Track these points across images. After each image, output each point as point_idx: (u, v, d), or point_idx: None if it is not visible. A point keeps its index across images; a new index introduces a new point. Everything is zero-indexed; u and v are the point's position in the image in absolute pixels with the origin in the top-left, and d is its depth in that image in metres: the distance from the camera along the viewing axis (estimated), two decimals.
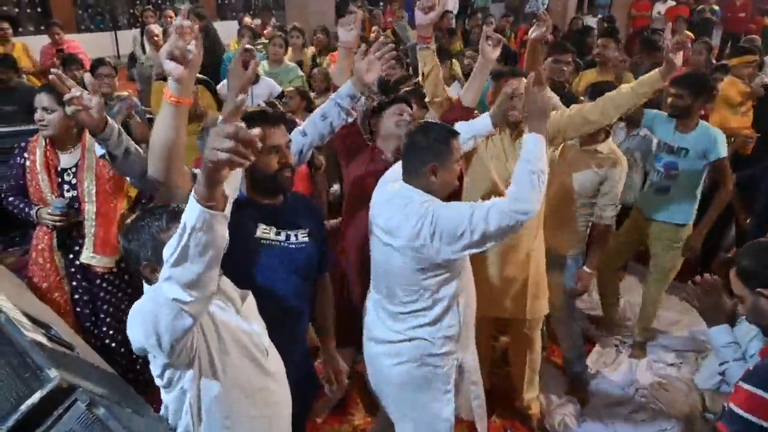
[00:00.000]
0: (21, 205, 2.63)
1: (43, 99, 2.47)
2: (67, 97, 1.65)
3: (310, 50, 5.60)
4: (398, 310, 2.00)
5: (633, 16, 11.18)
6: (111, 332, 2.74)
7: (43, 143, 2.58)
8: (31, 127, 4.12)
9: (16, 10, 10.51)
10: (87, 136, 2.58)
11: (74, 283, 2.68)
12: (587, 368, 3.26)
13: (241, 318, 1.57)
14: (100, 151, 1.86)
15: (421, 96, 2.94)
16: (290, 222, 1.88)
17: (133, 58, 9.21)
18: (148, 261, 1.44)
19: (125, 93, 3.84)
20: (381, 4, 13.48)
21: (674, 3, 10.81)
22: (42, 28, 9.93)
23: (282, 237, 1.83)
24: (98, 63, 3.76)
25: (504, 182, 2.40)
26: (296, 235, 1.87)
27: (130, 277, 2.81)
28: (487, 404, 2.25)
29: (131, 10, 11.92)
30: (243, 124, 1.12)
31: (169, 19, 6.66)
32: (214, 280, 1.29)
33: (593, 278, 2.97)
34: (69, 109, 1.68)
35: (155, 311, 1.28)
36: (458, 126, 2.25)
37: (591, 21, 12.33)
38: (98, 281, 2.70)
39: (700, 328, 3.71)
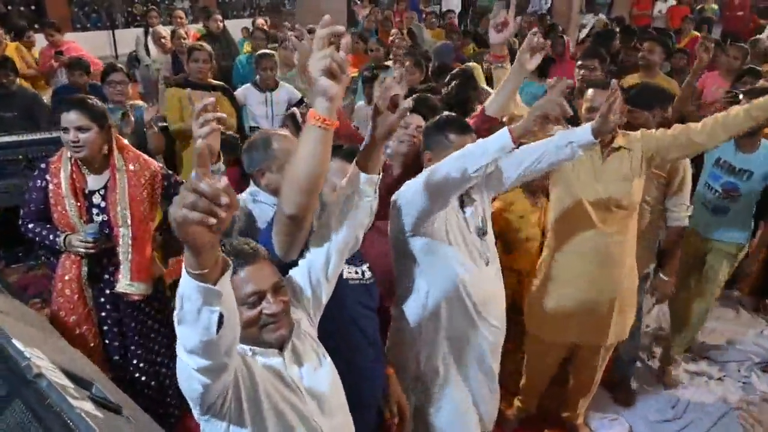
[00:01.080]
0: (44, 232, 2.35)
1: (73, 118, 2.20)
2: (203, 119, 1.56)
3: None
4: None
5: (634, 15, 11.04)
6: (141, 365, 2.51)
7: (69, 164, 2.32)
8: (36, 136, 3.91)
9: (9, 7, 10.12)
10: (116, 154, 2.34)
11: (103, 314, 2.44)
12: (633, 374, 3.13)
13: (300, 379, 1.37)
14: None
15: (431, 106, 2.70)
16: (357, 257, 1.77)
17: (134, 58, 8.94)
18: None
19: (140, 102, 3.58)
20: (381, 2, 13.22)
21: (675, 2, 10.69)
22: (36, 26, 9.57)
23: (360, 274, 1.76)
24: (110, 69, 3.48)
25: (593, 204, 2.25)
26: (365, 271, 1.79)
27: (161, 304, 2.61)
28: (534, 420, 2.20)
29: (129, 8, 11.57)
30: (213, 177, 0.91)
31: (179, 20, 6.36)
32: (227, 353, 1.10)
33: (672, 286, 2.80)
34: (202, 131, 1.55)
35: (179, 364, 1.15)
36: (559, 137, 1.95)
37: (591, 20, 12.19)
38: (129, 310, 2.47)
39: (742, 337, 3.60)
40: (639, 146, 2.26)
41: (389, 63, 5.03)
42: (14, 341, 1.32)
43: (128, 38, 10.29)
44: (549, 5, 12.16)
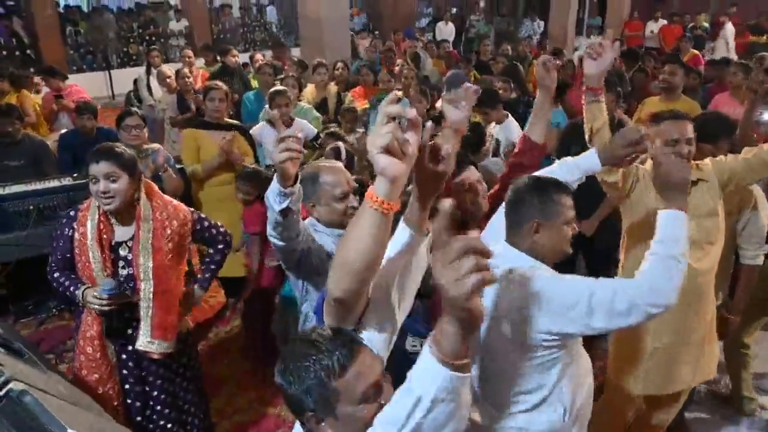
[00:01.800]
0: (66, 283, 2.23)
1: (103, 168, 2.10)
2: (284, 138, 1.50)
3: (333, 86, 5.30)
4: (492, 392, 1.71)
5: (626, 36, 11.18)
6: (169, 425, 2.37)
7: (96, 213, 2.21)
8: (46, 185, 3.79)
9: (4, 53, 10.09)
10: (143, 203, 2.23)
11: (125, 372, 2.30)
12: None
13: None
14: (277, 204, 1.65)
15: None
16: (422, 322, 1.60)
17: (136, 98, 8.90)
18: (314, 412, 1.10)
19: (156, 146, 3.48)
20: (377, 33, 13.35)
21: (665, 22, 10.85)
22: (31, 70, 9.54)
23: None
24: (126, 113, 3.39)
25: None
26: None
27: (189, 359, 2.49)
28: None
29: (124, 49, 11.58)
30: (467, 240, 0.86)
31: (187, 59, 6.31)
32: None
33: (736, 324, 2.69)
34: (281, 156, 1.49)
35: None
36: (561, 165, 1.95)
37: (585, 43, 12.33)
38: (153, 368, 2.33)
39: None
40: (713, 176, 2.17)
41: (399, 93, 4.99)
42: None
43: (124, 79, 10.33)
44: (542, 30, 12.33)
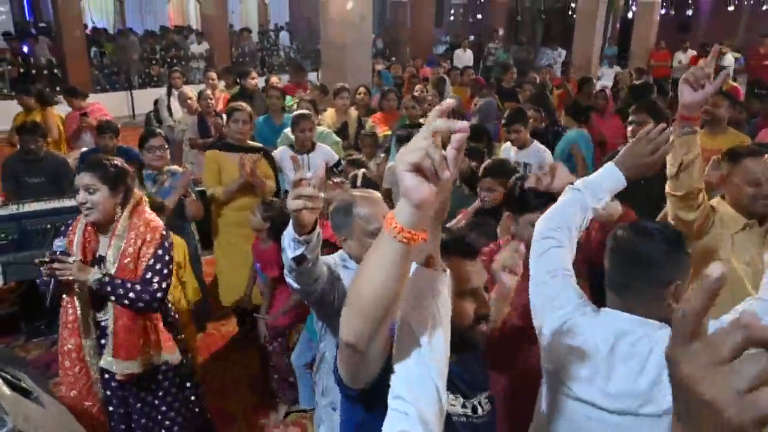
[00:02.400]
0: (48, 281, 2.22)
1: (83, 178, 2.13)
2: (300, 181, 1.34)
3: (353, 111, 5.30)
4: None
5: (652, 66, 11.13)
6: None
7: (83, 225, 2.23)
8: (65, 204, 3.79)
9: (33, 72, 10.33)
10: (122, 219, 2.20)
11: (108, 392, 2.29)
12: None
13: None
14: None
15: None
16: (473, 384, 1.37)
17: (155, 118, 9.00)
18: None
19: (176, 167, 3.46)
20: (393, 59, 13.47)
21: (695, 52, 10.77)
22: (57, 89, 9.73)
23: (469, 409, 1.34)
24: (149, 134, 3.39)
25: (753, 283, 1.96)
26: (481, 404, 1.36)
27: (179, 388, 2.44)
28: None
29: (146, 70, 11.80)
30: None
31: (211, 81, 6.37)
32: None
33: None
34: (294, 204, 1.33)
35: None
36: (583, 189, 1.61)
37: (608, 72, 12.32)
38: (134, 390, 2.31)
39: None
40: None
41: (423, 121, 4.96)
42: None
43: (145, 99, 10.50)
44: (563, 58, 12.33)
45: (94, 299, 2.22)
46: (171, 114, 6.53)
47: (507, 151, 3.98)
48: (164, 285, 2.23)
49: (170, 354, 2.32)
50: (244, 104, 3.79)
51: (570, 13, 13.83)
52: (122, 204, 2.21)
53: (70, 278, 2.07)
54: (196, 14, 19.76)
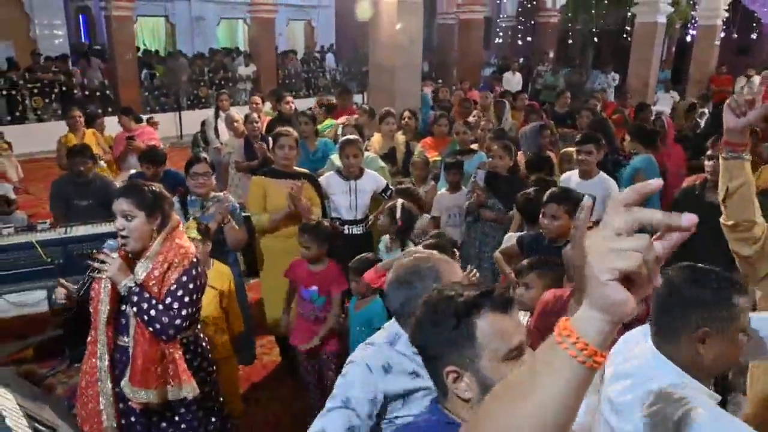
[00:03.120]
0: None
1: (121, 205, 2.11)
2: None
3: (400, 136, 5.19)
4: None
5: (713, 91, 10.69)
6: None
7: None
8: (109, 228, 3.77)
9: (86, 93, 10.74)
10: (154, 245, 2.15)
11: (130, 420, 2.25)
12: None
13: None
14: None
15: None
16: None
17: (202, 139, 9.17)
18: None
19: (221, 194, 3.41)
20: (440, 81, 13.42)
21: (761, 77, 10.29)
22: (109, 110, 10.08)
23: None
24: (194, 160, 3.36)
25: None
26: None
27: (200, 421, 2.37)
28: None
29: (194, 92, 12.10)
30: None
31: (255, 105, 6.43)
32: None
33: None
34: None
35: None
36: None
37: (663, 97, 11.92)
38: (155, 419, 2.27)
39: None
40: None
41: (475, 147, 4.82)
42: None
43: (192, 120, 10.76)
44: (616, 82, 12.01)
45: (117, 321, 2.19)
46: (218, 136, 6.61)
47: (567, 182, 3.77)
48: (184, 313, 2.15)
49: (186, 386, 2.21)
50: (290, 129, 3.73)
51: (624, 35, 13.50)
52: (158, 229, 2.18)
53: (106, 275, 2.06)
54: (243, 36, 20.39)
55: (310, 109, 5.26)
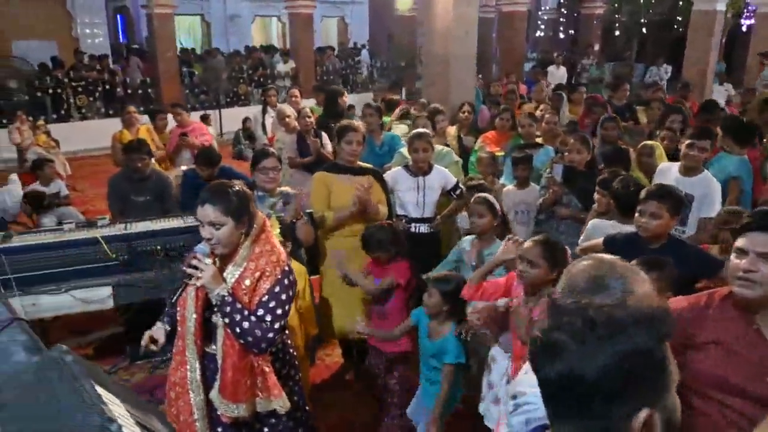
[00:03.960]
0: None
1: (207, 212, 1.99)
2: None
3: (451, 129, 5.05)
4: None
5: None
6: None
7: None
8: (173, 225, 3.76)
9: (128, 91, 10.89)
10: (242, 250, 2.06)
11: (219, 430, 2.18)
12: None
13: None
14: None
15: None
16: None
17: (244, 136, 9.22)
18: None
19: (289, 189, 3.33)
20: (480, 75, 13.21)
21: None
22: (151, 107, 10.20)
23: None
24: (262, 155, 3.28)
25: None
26: None
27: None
28: None
29: (234, 89, 12.17)
30: None
31: (293, 99, 6.39)
32: None
33: None
34: None
35: None
36: None
37: (720, 90, 11.49)
38: (244, 430, 2.17)
39: None
40: None
41: (540, 140, 4.66)
42: None
43: (232, 117, 10.84)
44: (669, 75, 11.63)
45: (204, 329, 2.11)
46: (265, 132, 6.59)
47: (663, 174, 3.51)
48: (277, 326, 2.04)
49: (277, 400, 2.13)
50: (357, 124, 3.63)
51: (676, 25, 13.07)
52: (246, 232, 2.08)
53: (200, 283, 1.96)
54: (277, 34, 20.53)
55: (377, 101, 5.13)
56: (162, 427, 1.49)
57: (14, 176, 5.99)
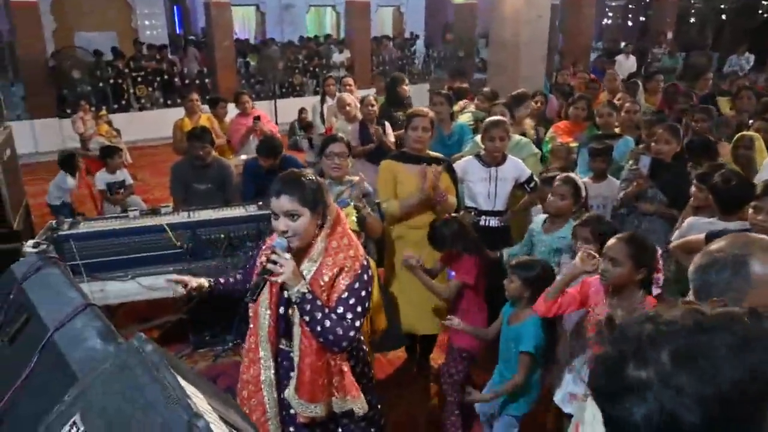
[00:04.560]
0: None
1: (283, 203, 1.90)
2: None
3: (528, 121, 4.87)
4: None
5: None
6: None
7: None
8: (238, 213, 3.74)
9: (186, 81, 11.13)
10: (318, 242, 1.98)
11: (293, 429, 2.12)
12: None
13: None
14: None
15: None
16: None
17: (300, 127, 9.26)
18: None
19: (355, 178, 3.26)
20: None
21: None
22: (207, 97, 10.37)
23: None
24: (331, 139, 3.22)
25: None
26: None
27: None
28: None
29: (289, 79, 12.26)
30: None
31: (348, 87, 6.33)
32: None
33: None
34: None
35: None
36: None
37: None
38: (318, 430, 2.12)
39: None
40: None
41: (617, 130, 4.42)
42: None
43: (287, 108, 10.91)
44: (750, 64, 10.96)
45: (280, 326, 2.05)
46: (323, 122, 6.55)
47: None
48: (357, 324, 1.96)
49: (356, 401, 2.07)
50: (426, 110, 3.51)
51: (760, 11, 12.30)
52: (321, 224, 2.00)
53: (281, 279, 1.87)
54: (332, 23, 20.58)
55: (449, 89, 5.00)
56: (243, 423, 1.43)
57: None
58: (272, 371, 2.05)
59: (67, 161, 5.53)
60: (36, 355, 1.80)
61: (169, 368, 1.34)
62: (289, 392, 2.03)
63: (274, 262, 1.87)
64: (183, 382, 1.29)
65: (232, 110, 6.29)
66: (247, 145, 5.60)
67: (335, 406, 2.06)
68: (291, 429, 2.13)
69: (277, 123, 11.25)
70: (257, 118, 5.54)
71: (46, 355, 1.80)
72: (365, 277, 2.00)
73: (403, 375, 3.70)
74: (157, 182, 8.02)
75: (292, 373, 2.04)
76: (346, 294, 1.95)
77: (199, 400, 1.29)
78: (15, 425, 1.72)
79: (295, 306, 1.96)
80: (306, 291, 1.90)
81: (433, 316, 3.31)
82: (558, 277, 2.51)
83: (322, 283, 1.95)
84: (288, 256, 1.90)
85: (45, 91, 9.92)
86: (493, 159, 3.52)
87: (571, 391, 2.61)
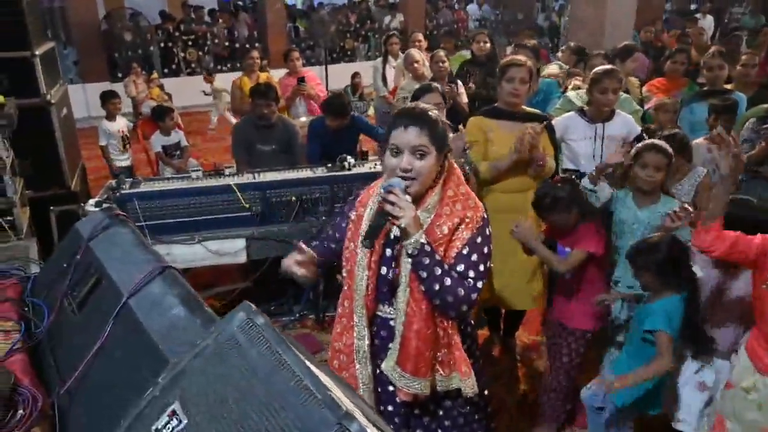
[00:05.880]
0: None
1: (412, 137, 1.61)
2: None
3: (634, 79, 4.42)
4: None
5: None
6: None
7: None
8: (309, 174, 3.45)
9: (236, 45, 10.90)
10: (435, 192, 1.69)
11: (390, 408, 1.86)
12: None
13: None
14: None
15: None
16: None
17: (352, 92, 8.94)
18: None
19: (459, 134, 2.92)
20: None
21: None
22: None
23: None
24: (423, 90, 2.89)
25: None
26: None
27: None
28: None
29: (341, 44, 11.90)
30: None
31: (417, 43, 5.93)
32: None
33: None
34: None
35: None
36: None
37: None
38: (417, 410, 1.86)
39: None
40: None
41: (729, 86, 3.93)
42: None
43: (338, 73, 10.59)
44: None
45: (381, 289, 1.77)
46: (385, 83, 6.20)
47: None
48: (479, 285, 1.68)
49: (464, 380, 1.79)
50: (524, 59, 3.10)
51: None
52: (439, 172, 1.71)
53: (403, 223, 1.58)
54: None
55: (523, 45, 4.57)
56: (371, 413, 1.11)
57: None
58: (366, 341, 1.78)
59: (103, 98, 5.41)
60: (110, 322, 1.57)
61: (292, 348, 1.05)
62: (387, 364, 1.76)
63: (392, 203, 1.57)
64: (314, 369, 0.99)
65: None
66: (293, 108, 5.32)
67: (439, 384, 1.79)
68: (390, 408, 1.87)
69: (328, 88, 11.02)
70: (301, 79, 5.22)
71: (121, 323, 1.57)
72: (487, 231, 1.72)
73: (486, 354, 3.40)
74: (208, 147, 7.87)
75: (390, 345, 1.77)
76: (467, 250, 1.67)
77: (339, 394, 0.99)
78: (91, 397, 1.49)
79: (402, 264, 1.69)
80: (425, 242, 1.61)
81: (531, 290, 2.98)
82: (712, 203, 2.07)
83: (440, 235, 1.67)
84: (408, 198, 1.61)
85: (97, 54, 9.84)
86: (599, 114, 3.11)
87: (700, 380, 2.30)
